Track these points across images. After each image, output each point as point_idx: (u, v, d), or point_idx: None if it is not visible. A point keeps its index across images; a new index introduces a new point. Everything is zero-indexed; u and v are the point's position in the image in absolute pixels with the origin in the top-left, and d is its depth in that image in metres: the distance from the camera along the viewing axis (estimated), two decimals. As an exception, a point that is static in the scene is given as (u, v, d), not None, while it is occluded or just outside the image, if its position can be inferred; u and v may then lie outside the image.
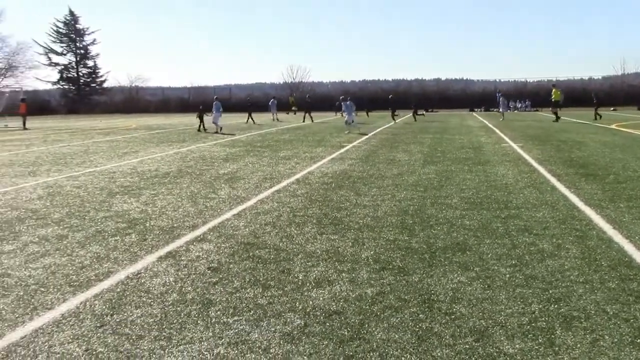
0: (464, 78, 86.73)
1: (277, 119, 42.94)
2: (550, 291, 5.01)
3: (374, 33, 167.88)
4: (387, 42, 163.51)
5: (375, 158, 15.58)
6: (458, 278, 5.40)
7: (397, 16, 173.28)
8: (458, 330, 4.25)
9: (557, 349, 3.91)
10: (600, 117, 34.33)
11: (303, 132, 27.94)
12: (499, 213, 8.12)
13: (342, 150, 18.09)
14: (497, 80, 75.72)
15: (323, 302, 4.87)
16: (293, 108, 54.57)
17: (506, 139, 21.40)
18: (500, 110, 40.13)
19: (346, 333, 4.24)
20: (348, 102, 27.98)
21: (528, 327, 4.27)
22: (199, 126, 30.46)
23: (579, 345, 3.96)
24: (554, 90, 34.84)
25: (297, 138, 23.76)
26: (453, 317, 4.49)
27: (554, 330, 4.20)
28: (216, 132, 28.46)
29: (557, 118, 33.46)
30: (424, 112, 51.18)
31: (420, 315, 4.53)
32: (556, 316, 4.46)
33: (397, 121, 36.88)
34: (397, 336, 4.16)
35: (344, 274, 5.57)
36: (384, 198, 9.42)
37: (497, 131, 25.87)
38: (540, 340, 4.04)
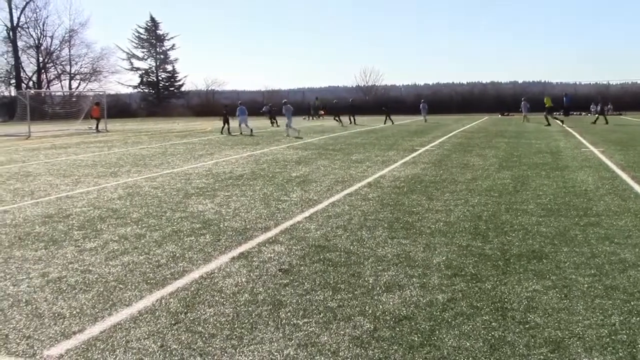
0: (542, 81, 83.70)
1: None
2: (632, 303, 4.80)
3: (448, 35, 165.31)
4: (462, 44, 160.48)
5: (448, 162, 15.36)
6: (533, 286, 5.25)
7: (471, 18, 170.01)
8: (532, 340, 4.13)
9: (639, 363, 3.74)
10: (607, 122, 35.31)
11: (375, 135, 27.87)
12: (577, 220, 7.84)
13: (415, 154, 17.93)
14: (577, 82, 72.78)
15: (393, 306, 4.84)
16: (320, 112, 54.88)
17: (586, 143, 20.63)
18: (523, 112, 41.97)
19: (416, 339, 4.19)
20: (288, 106, 29.24)
21: (607, 339, 4.10)
22: (222, 129, 31.74)
23: (663, 360, 3.77)
24: (546, 98, 36.91)
25: (369, 141, 23.71)
26: (527, 326, 4.37)
27: (635, 344, 4.02)
28: (241, 134, 29.79)
29: (549, 124, 34.27)
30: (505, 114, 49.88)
31: (493, 324, 4.43)
32: (638, 329, 4.26)
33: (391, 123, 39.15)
34: (468, 344, 4.08)
35: (414, 279, 5.52)
36: (457, 203, 9.27)
37: (577, 135, 24.99)
38: (620, 354, 3.87)
